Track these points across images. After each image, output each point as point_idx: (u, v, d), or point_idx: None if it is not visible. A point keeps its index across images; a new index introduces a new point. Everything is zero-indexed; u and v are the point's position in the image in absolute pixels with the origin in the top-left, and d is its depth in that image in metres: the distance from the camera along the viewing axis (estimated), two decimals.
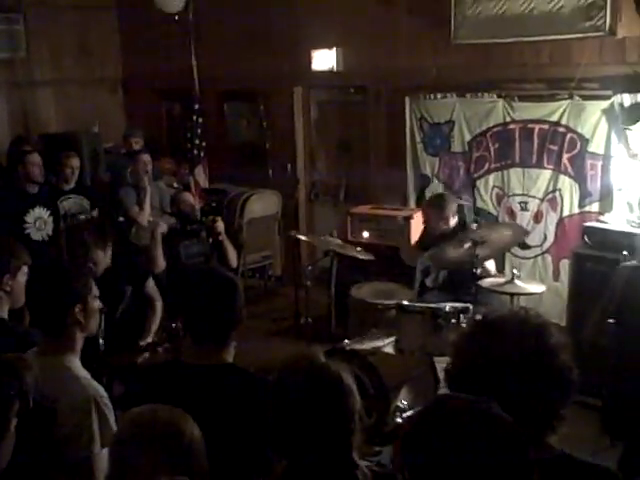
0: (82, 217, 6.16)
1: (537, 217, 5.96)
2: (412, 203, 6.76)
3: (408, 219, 6.24)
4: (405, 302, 4.66)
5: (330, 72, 7.12)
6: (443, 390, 3.41)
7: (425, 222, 5.63)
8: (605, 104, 5.45)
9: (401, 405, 3.77)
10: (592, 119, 5.53)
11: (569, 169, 5.73)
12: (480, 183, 6.28)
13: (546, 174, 5.86)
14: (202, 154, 7.85)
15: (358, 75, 7.02)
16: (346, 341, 4.37)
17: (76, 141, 7.48)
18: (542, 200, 5.91)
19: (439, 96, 6.41)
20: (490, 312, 2.00)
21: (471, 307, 4.43)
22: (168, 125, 9.09)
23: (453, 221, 5.41)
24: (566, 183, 5.76)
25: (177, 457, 1.84)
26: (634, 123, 5.22)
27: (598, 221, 5.33)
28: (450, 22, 6.12)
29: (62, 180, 6.22)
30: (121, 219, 6.30)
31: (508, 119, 6.01)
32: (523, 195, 6.03)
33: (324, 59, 7.12)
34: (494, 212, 6.21)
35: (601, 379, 3.59)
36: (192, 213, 5.62)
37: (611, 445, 3.58)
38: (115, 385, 3.55)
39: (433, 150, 6.57)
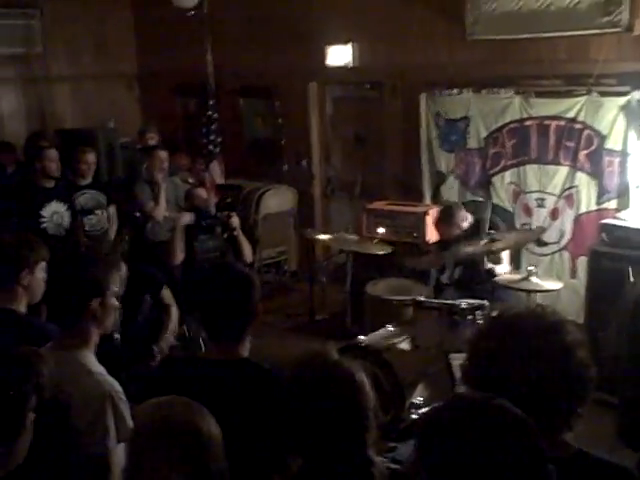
0: (97, 212, 6.19)
1: (554, 214, 5.93)
2: (428, 199, 6.74)
3: (423, 216, 6.23)
4: (421, 298, 4.65)
5: (345, 68, 7.11)
6: (459, 387, 3.40)
7: (440, 235, 5.61)
8: (623, 100, 5.40)
9: (417, 401, 3.76)
10: (609, 115, 5.49)
11: (586, 166, 5.70)
12: (496, 180, 6.25)
13: (563, 171, 5.83)
14: (217, 150, 7.86)
15: (373, 71, 7.00)
16: (361, 337, 4.36)
17: (92, 137, 7.51)
18: (559, 197, 5.88)
19: (455, 92, 6.39)
20: (506, 309, 1.99)
21: (487, 304, 4.41)
22: (184, 121, 9.12)
23: (466, 224, 5.42)
24: (583, 180, 5.72)
25: (194, 453, 1.83)
26: None
27: (615, 218, 5.28)
28: (466, 18, 6.10)
29: (78, 175, 6.23)
30: (137, 214, 6.32)
31: (525, 115, 5.98)
32: (539, 192, 6.00)
33: (339, 55, 7.10)
34: (510, 209, 6.18)
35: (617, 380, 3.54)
36: (206, 208, 5.62)
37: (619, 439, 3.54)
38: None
39: (449, 146, 6.55)
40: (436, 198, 6.65)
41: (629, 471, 1.84)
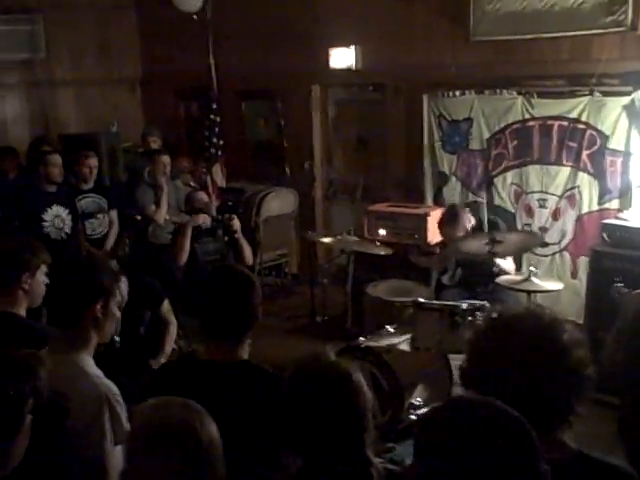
0: (99, 216, 6.20)
1: (555, 214, 5.92)
2: (430, 201, 6.74)
3: (425, 217, 6.22)
4: (422, 300, 4.65)
5: (348, 70, 7.11)
6: (458, 388, 3.40)
7: (444, 238, 5.58)
8: (626, 100, 5.40)
9: (416, 402, 3.76)
10: (612, 115, 5.49)
11: (588, 166, 5.69)
12: (498, 180, 6.25)
13: (565, 171, 5.82)
14: (220, 153, 7.84)
15: (376, 73, 7.00)
16: (362, 339, 4.36)
17: (95, 141, 7.53)
18: (561, 197, 5.87)
19: (457, 93, 6.38)
20: (505, 310, 1.99)
21: (488, 305, 4.40)
22: (186, 124, 9.13)
23: (470, 225, 5.41)
24: (585, 180, 5.72)
25: (192, 455, 1.82)
26: None
27: (617, 218, 5.28)
28: (469, 18, 6.10)
29: (81, 179, 6.26)
30: (139, 218, 6.33)
31: (527, 116, 5.98)
32: (541, 192, 5.99)
33: (342, 57, 7.10)
34: (512, 210, 6.17)
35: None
36: (207, 211, 5.62)
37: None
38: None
39: (451, 148, 6.55)
40: (438, 200, 6.64)
41: (628, 472, 1.83)
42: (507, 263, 5.25)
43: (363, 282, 5.69)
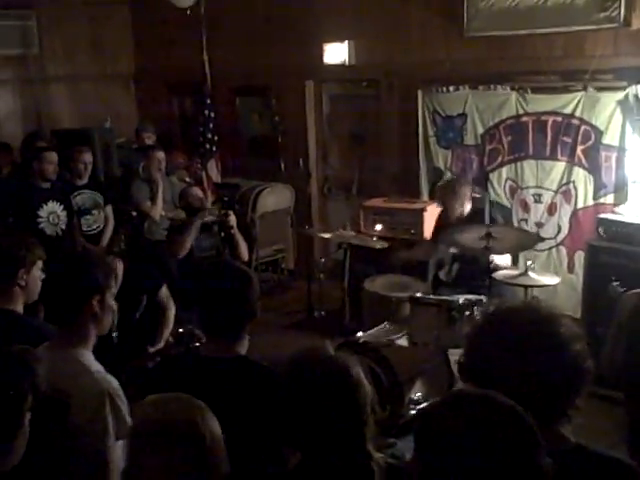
0: (94, 212, 6.19)
1: (551, 209, 5.94)
2: (425, 196, 6.75)
3: (421, 212, 6.23)
4: (419, 294, 4.66)
5: (342, 66, 7.10)
6: (457, 382, 3.40)
7: (441, 205, 5.61)
8: (620, 95, 5.41)
9: (415, 397, 3.77)
10: (606, 111, 5.50)
11: (583, 161, 5.70)
12: (493, 176, 6.25)
13: (560, 166, 5.83)
14: (214, 148, 7.84)
15: (370, 68, 7.00)
16: (360, 334, 4.37)
17: (89, 136, 7.50)
18: (556, 192, 5.89)
19: (452, 89, 6.39)
20: (502, 303, 2.00)
21: (485, 299, 4.42)
22: (180, 120, 9.11)
23: (468, 206, 5.41)
24: (580, 175, 5.73)
25: (194, 452, 1.82)
26: None
27: (613, 213, 5.30)
28: (463, 15, 6.10)
29: (75, 175, 6.23)
30: (134, 214, 6.31)
31: (521, 111, 5.99)
32: (537, 187, 6.00)
33: (336, 53, 7.09)
34: (507, 205, 6.18)
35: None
36: (201, 207, 5.60)
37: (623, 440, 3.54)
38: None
39: (446, 143, 6.55)
40: (433, 195, 6.64)
41: (628, 464, 1.84)
42: (503, 258, 5.26)
43: (360, 277, 5.70)
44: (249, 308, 2.59)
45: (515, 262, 5.66)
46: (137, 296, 4.34)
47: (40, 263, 3.22)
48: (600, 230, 5.12)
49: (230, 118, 8.31)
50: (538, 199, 6.00)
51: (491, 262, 4.86)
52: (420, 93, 6.59)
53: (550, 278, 5.05)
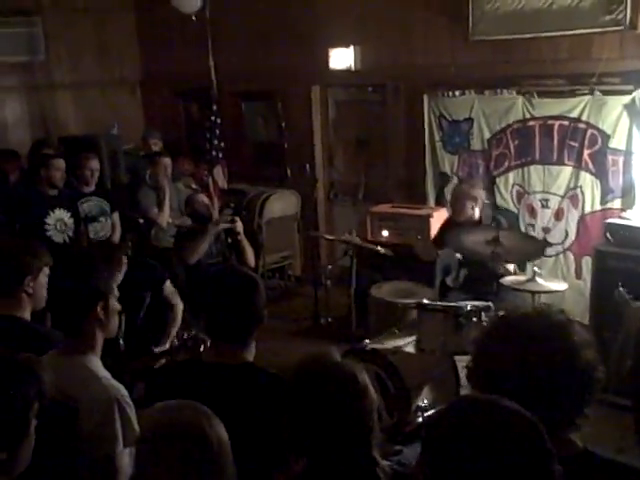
0: (102, 219, 6.19)
1: (558, 214, 5.92)
2: (431, 201, 6.73)
3: (428, 218, 6.22)
4: (426, 301, 4.64)
5: (348, 71, 7.09)
6: (465, 389, 3.39)
7: (453, 205, 5.60)
8: (626, 99, 5.40)
9: (422, 404, 3.75)
10: (613, 114, 5.48)
11: (590, 165, 5.68)
12: (500, 181, 6.24)
13: (567, 171, 5.81)
14: (221, 155, 7.85)
15: (376, 73, 6.99)
16: (367, 341, 4.35)
17: (95, 143, 7.50)
18: (563, 197, 5.87)
19: (457, 93, 6.38)
20: (512, 309, 1.98)
21: (492, 305, 4.40)
22: (187, 126, 9.11)
23: (478, 211, 5.39)
24: (587, 180, 5.71)
25: (202, 459, 1.81)
26: None
27: (620, 217, 5.27)
28: (468, 18, 6.09)
29: (82, 182, 6.23)
30: (141, 221, 6.32)
31: (528, 116, 5.97)
32: (544, 192, 5.99)
33: (342, 58, 7.09)
34: (514, 210, 6.16)
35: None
36: (207, 213, 5.61)
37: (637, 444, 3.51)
38: (136, 386, 3.56)
39: (452, 148, 6.54)
40: (440, 200, 6.64)
41: (635, 470, 1.82)
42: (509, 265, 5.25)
43: (367, 284, 5.69)
44: (256, 313, 2.58)
45: (522, 268, 5.64)
46: (140, 293, 4.32)
47: (47, 270, 3.22)
48: (607, 235, 5.10)
49: (236, 124, 8.31)
50: (545, 204, 5.98)
51: (500, 270, 4.83)
52: (426, 98, 6.58)
53: (558, 284, 5.01)
